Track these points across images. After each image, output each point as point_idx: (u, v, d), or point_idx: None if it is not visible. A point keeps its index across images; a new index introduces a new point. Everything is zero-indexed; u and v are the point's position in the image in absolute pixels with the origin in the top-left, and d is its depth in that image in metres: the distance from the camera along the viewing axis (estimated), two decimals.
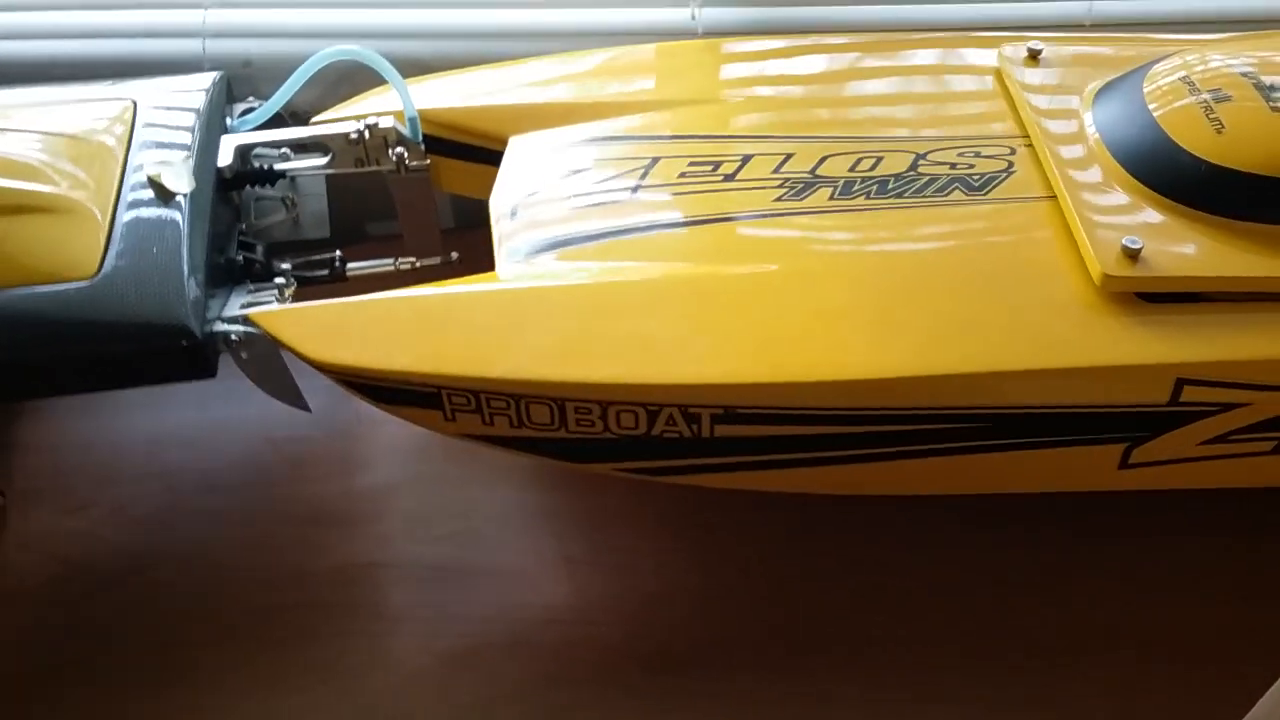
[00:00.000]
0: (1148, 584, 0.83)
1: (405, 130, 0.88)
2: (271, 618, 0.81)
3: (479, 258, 0.81)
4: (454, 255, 0.89)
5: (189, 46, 0.99)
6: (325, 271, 0.86)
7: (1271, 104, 0.77)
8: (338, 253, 0.87)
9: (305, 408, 0.79)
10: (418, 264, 0.89)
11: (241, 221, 0.89)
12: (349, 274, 0.87)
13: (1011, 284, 0.74)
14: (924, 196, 0.80)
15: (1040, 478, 0.76)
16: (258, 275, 0.83)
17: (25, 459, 0.91)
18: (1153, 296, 0.72)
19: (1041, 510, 0.84)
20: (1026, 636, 0.80)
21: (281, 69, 0.99)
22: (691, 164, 0.84)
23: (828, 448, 0.72)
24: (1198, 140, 0.77)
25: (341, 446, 0.92)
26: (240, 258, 0.84)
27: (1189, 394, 0.70)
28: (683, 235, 0.78)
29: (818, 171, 0.82)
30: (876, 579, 0.83)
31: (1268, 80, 0.78)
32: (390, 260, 0.88)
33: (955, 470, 0.74)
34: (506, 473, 0.91)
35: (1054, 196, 0.79)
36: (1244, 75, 0.79)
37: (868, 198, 0.80)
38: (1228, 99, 0.78)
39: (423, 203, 0.91)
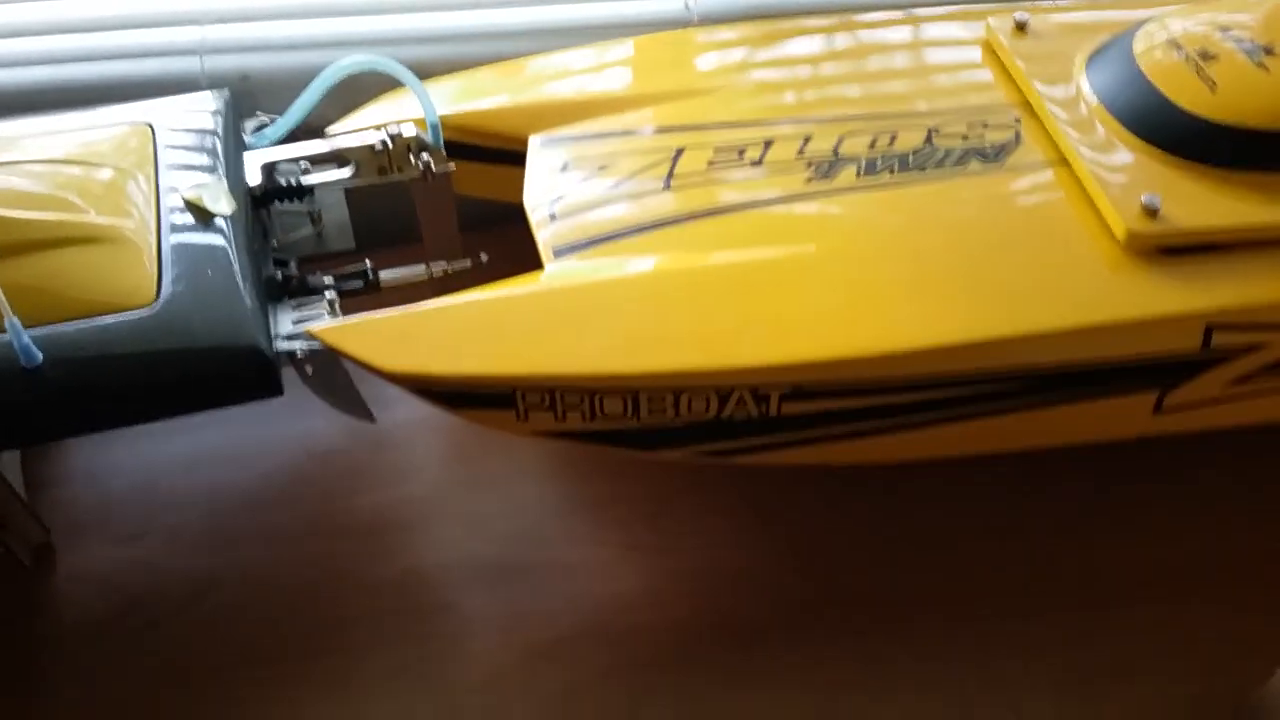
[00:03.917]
0: (1168, 526, 0.89)
1: (428, 137, 0.88)
2: (345, 628, 0.81)
3: (501, 259, 0.83)
4: (483, 256, 0.90)
5: (186, 65, 0.98)
6: (360, 283, 0.86)
7: (1255, 61, 0.82)
8: (368, 263, 0.87)
9: (370, 418, 0.80)
10: (449, 268, 0.90)
11: (270, 238, 0.89)
12: (383, 283, 0.87)
13: (1040, 247, 0.78)
14: (944, 169, 0.84)
15: (1080, 429, 0.81)
16: (294, 290, 0.84)
17: (63, 493, 0.89)
18: (1172, 249, 0.77)
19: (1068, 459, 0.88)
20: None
21: (278, 83, 0.99)
22: (717, 151, 0.87)
23: (886, 416, 0.76)
24: (1194, 99, 0.82)
25: (383, 456, 0.93)
26: (278, 274, 0.84)
27: (1218, 339, 0.75)
28: (726, 222, 0.81)
29: (840, 151, 0.86)
30: (916, 539, 0.88)
31: (1245, 38, 0.84)
32: (422, 266, 0.89)
33: (1001, 429, 0.78)
34: (553, 468, 0.92)
35: (1065, 161, 0.83)
36: (1222, 34, 0.85)
37: (892, 174, 0.84)
38: (1214, 58, 0.83)
39: (443, 208, 0.92)
